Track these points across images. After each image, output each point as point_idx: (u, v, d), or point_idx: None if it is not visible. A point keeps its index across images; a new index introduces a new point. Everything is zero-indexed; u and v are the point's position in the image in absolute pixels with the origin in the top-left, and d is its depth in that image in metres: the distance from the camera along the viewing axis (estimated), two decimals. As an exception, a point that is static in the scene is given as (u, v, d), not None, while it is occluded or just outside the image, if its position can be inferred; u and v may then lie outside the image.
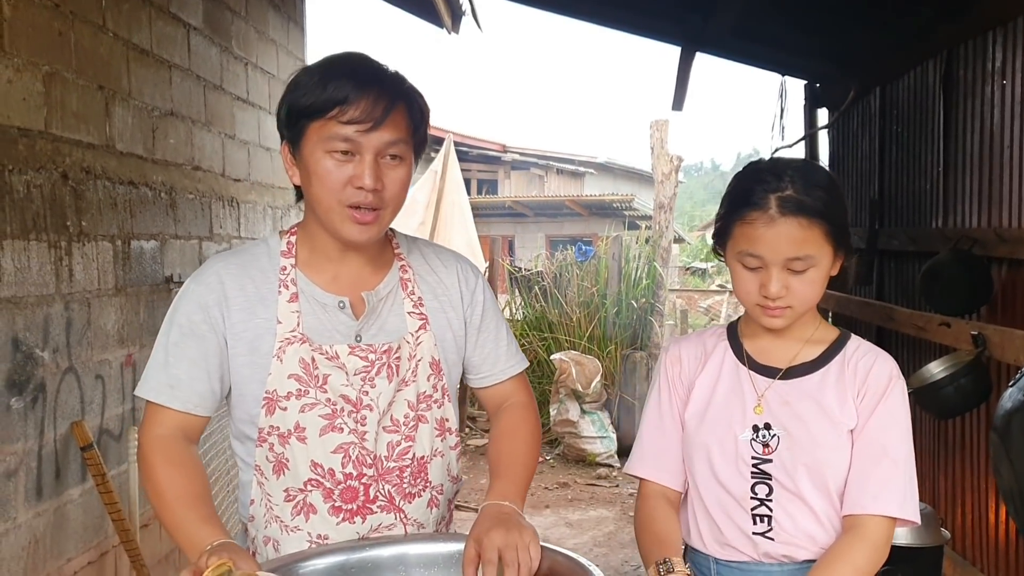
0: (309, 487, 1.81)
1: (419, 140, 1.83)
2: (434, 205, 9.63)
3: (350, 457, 1.81)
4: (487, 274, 8.20)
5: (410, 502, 1.86)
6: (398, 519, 1.85)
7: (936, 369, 3.85)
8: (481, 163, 21.43)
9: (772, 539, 1.80)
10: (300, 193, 1.86)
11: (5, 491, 2.93)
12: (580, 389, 7.99)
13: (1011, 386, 3.07)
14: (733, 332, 1.94)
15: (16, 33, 2.96)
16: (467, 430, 8.65)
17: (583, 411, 8.04)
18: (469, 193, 12.21)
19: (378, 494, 1.83)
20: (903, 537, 3.05)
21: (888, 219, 5.25)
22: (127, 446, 3.73)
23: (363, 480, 1.82)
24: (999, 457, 3.09)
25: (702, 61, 5.76)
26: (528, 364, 2.11)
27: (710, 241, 1.99)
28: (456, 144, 11.02)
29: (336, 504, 1.81)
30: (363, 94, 1.71)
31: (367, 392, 1.81)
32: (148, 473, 1.77)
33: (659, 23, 5.67)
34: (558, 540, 5.92)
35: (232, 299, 1.81)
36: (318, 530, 1.82)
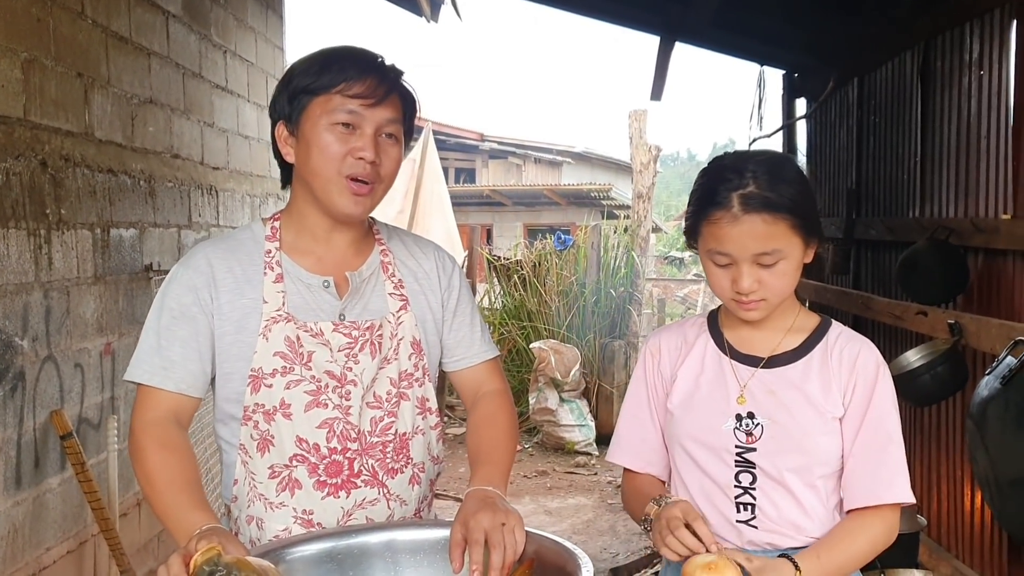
0: (294, 463, 1.83)
1: (407, 129, 1.92)
2: (412, 193, 9.61)
3: (335, 432, 1.84)
4: (466, 262, 8.18)
5: (392, 477, 1.89)
6: (381, 494, 1.88)
7: (913, 357, 3.90)
8: (459, 152, 21.35)
9: (756, 527, 1.82)
10: (287, 177, 1.93)
11: (-16, 480, 2.92)
12: (559, 378, 8.01)
13: (987, 374, 3.11)
14: (714, 322, 1.95)
15: (-6, 19, 2.94)
16: (445, 419, 8.65)
17: (562, 399, 8.05)
18: (447, 182, 12.18)
19: (362, 468, 1.86)
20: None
21: (865, 209, 5.30)
22: (106, 435, 3.72)
23: (347, 455, 1.85)
24: (975, 444, 3.13)
25: (680, 51, 5.77)
26: (499, 354, 2.16)
27: (684, 233, 2.01)
28: (434, 133, 10.98)
29: (321, 479, 1.84)
30: (367, 74, 1.82)
31: (351, 368, 1.85)
32: (139, 457, 1.78)
33: (639, 12, 5.69)
34: (537, 528, 5.93)
35: (220, 281, 1.85)
36: (303, 505, 1.84)
